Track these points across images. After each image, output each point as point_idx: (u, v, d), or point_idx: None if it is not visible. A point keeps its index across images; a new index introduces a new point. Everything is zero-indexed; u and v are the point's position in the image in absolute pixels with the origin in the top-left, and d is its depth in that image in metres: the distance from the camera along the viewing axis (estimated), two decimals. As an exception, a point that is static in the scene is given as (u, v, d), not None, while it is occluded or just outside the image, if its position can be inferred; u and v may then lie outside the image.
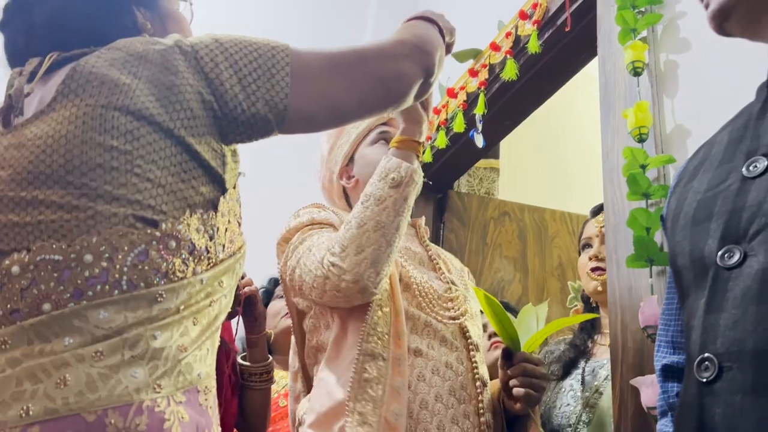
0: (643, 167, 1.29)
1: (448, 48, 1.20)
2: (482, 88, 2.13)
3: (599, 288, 1.72)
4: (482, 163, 2.79)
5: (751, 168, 0.71)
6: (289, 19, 3.04)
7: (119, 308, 0.73)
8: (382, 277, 1.24)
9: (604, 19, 1.61)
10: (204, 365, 0.80)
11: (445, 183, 2.64)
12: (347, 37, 2.93)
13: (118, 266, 0.74)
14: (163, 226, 0.78)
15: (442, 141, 2.35)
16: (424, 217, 1.64)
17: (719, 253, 0.70)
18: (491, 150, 2.66)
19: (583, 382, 1.58)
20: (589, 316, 1.61)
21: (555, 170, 3.06)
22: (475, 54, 2.24)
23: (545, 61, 1.96)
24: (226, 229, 0.86)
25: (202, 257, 0.81)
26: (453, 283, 1.48)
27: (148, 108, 0.79)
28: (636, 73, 1.39)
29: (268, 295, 2.14)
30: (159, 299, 0.75)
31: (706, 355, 0.67)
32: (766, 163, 0.70)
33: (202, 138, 0.82)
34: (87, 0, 0.92)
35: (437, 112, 2.44)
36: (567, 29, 1.78)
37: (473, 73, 2.19)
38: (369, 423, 1.17)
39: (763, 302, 0.64)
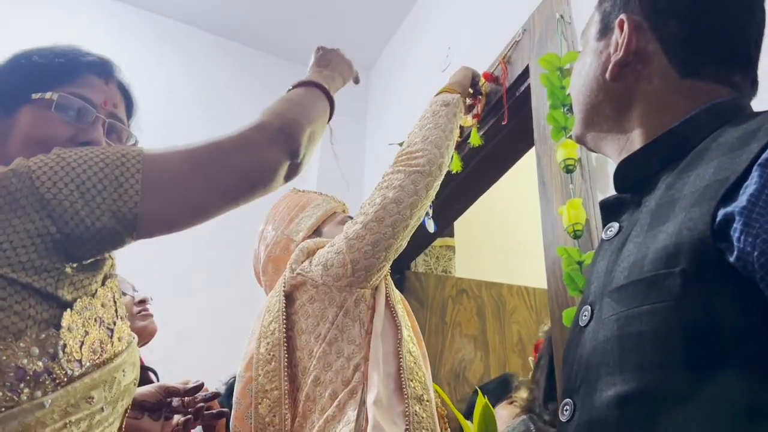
0: (580, 264, 1.33)
1: (356, 80, 1.40)
2: (430, 176, 2.18)
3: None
4: (438, 241, 2.83)
5: (582, 317, 0.74)
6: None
7: None
8: (444, 161, 1.49)
9: (538, 114, 1.68)
10: None
11: (402, 263, 2.66)
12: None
13: None
14: None
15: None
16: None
17: (560, 405, 0.73)
18: (446, 229, 2.70)
19: None
20: None
21: (510, 244, 3.11)
22: (423, 142, 2.30)
23: (486, 151, 2.02)
24: (82, 343, 0.81)
25: (42, 380, 0.76)
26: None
27: None
28: (568, 170, 1.45)
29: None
30: None
31: None
32: (588, 314, 0.72)
33: (26, 264, 0.77)
34: None
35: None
36: (504, 122, 1.85)
37: (421, 161, 2.25)
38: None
39: None
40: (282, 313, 1.42)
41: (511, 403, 2.07)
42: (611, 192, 1.43)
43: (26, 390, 0.75)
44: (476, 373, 2.55)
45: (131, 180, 0.83)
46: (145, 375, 1.69)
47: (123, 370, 0.87)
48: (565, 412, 0.73)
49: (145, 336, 1.65)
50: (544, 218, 1.55)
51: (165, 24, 3.12)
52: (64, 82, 0.97)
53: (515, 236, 3.11)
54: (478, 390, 1.77)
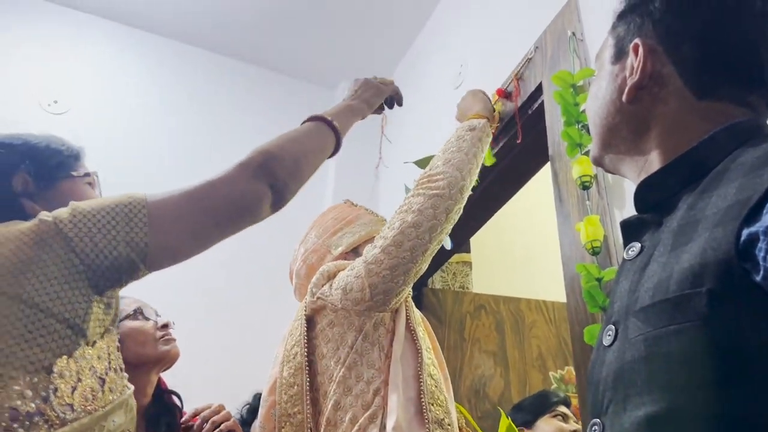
0: (599, 281, 1.33)
1: (395, 99, 1.60)
2: (446, 193, 2.19)
3: None
4: (455, 257, 2.83)
5: (606, 337, 0.74)
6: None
7: None
8: (466, 184, 1.46)
9: (552, 130, 1.69)
10: None
11: (419, 281, 2.66)
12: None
13: None
14: None
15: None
16: None
17: (588, 426, 0.73)
18: (462, 246, 2.71)
19: None
20: None
21: (527, 259, 3.11)
22: (436, 160, 2.32)
23: (500, 169, 2.03)
24: (74, 388, 0.89)
25: (36, 421, 0.83)
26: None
27: None
28: (584, 187, 1.46)
29: (253, 411, 2.12)
30: None
31: None
32: (613, 334, 0.72)
33: (60, 294, 0.90)
34: None
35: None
36: (518, 141, 1.86)
37: (436, 179, 2.27)
38: None
39: None
40: (303, 337, 1.42)
41: (554, 416, 2.08)
42: (628, 208, 1.44)
43: (21, 431, 0.81)
44: (496, 389, 2.54)
45: (139, 215, 0.98)
46: (169, 399, 1.71)
47: (113, 420, 0.94)
48: None
49: (168, 360, 1.66)
50: (561, 235, 1.56)
51: (173, 46, 3.16)
52: (78, 163, 1.23)
53: (532, 250, 3.11)
54: (502, 411, 1.77)
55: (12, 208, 1.08)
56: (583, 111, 1.56)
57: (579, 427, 2.05)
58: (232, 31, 3.10)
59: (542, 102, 1.80)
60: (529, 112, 1.88)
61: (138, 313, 1.65)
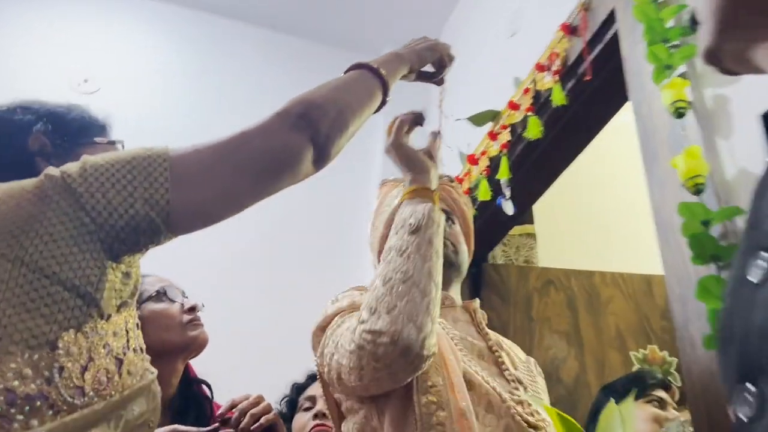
0: (705, 224, 1.06)
1: (443, 62, 1.27)
2: (504, 150, 1.94)
3: None
4: (516, 230, 2.57)
5: (755, 270, 0.51)
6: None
7: None
8: (425, 334, 1.03)
9: (631, 60, 1.42)
10: None
11: (477, 256, 2.41)
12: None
13: None
14: None
15: (468, 212, 2.15)
16: (478, 300, 1.39)
17: (734, 396, 0.50)
18: (524, 215, 2.44)
19: None
20: None
21: (598, 227, 2.80)
22: (493, 116, 2.07)
23: (570, 114, 1.77)
24: (84, 368, 0.76)
25: (38, 406, 0.71)
26: (519, 381, 1.23)
27: None
28: (679, 114, 1.19)
29: (292, 405, 1.92)
30: None
31: None
32: (766, 265, 0.50)
33: (68, 257, 0.78)
34: None
35: (459, 181, 2.26)
36: (587, 78, 1.59)
37: (493, 136, 2.02)
38: None
39: None
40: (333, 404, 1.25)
41: (650, 401, 1.80)
42: (737, 137, 1.17)
43: (19, 417, 0.70)
44: (570, 372, 2.27)
45: (159, 169, 0.85)
46: (197, 389, 1.52)
47: (133, 408, 0.82)
48: (745, 405, 0.48)
49: (196, 347, 1.47)
50: (649, 177, 1.29)
51: (207, 19, 2.99)
52: (103, 132, 1.15)
53: (603, 218, 2.80)
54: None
55: (26, 165, 0.99)
56: (671, 27, 1.29)
57: (678, 414, 1.77)
58: (268, 1, 2.90)
59: (616, 32, 1.53)
60: (600, 46, 1.61)
61: (162, 294, 1.47)
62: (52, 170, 0.83)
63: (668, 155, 1.23)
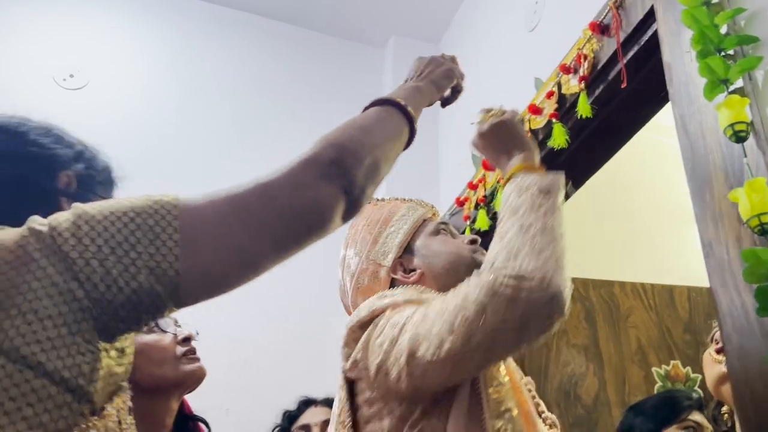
0: (774, 272, 0.92)
1: (458, 88, 1.19)
2: (525, 159, 1.79)
3: (724, 370, 1.44)
4: (532, 235, 2.43)
5: None
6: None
7: None
8: (569, 289, 0.93)
9: (677, 69, 1.26)
10: None
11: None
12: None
13: None
14: None
15: (483, 221, 2.00)
16: None
17: None
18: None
19: None
20: None
21: (618, 235, 2.66)
22: (512, 119, 1.91)
23: (598, 121, 1.62)
24: None
25: None
26: (555, 424, 1.15)
27: None
28: (739, 138, 1.04)
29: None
30: None
31: None
32: None
33: (55, 342, 0.64)
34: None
35: (473, 187, 2.11)
36: (623, 85, 1.43)
37: (512, 141, 1.86)
38: None
39: None
40: (347, 416, 1.10)
41: (685, 427, 1.67)
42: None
43: None
44: (590, 390, 2.14)
45: (169, 229, 0.72)
46: (194, 426, 1.39)
47: None
48: None
49: (193, 382, 1.34)
50: (697, 207, 1.14)
51: (204, 8, 2.82)
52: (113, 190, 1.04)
53: (624, 225, 2.65)
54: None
55: (49, 202, 0.87)
56: (727, 34, 1.13)
57: None
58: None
59: (656, 32, 1.37)
60: (636, 48, 1.46)
61: (153, 325, 1.33)
62: (37, 222, 0.69)
63: (723, 185, 1.08)
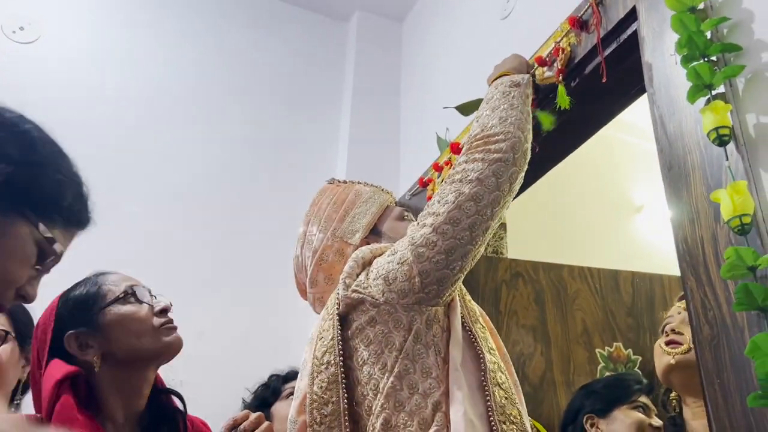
0: (753, 270, 0.99)
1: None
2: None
3: (672, 362, 1.65)
4: (486, 218, 2.48)
5: None
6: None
7: None
8: (528, 145, 1.25)
9: (658, 71, 1.32)
10: None
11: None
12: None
13: None
14: None
15: (446, 203, 2.04)
16: None
17: None
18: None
19: None
20: None
21: (568, 222, 2.76)
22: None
23: (570, 113, 1.66)
24: None
25: None
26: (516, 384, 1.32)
27: None
28: (722, 141, 1.10)
29: (275, 392, 1.85)
30: None
31: None
32: None
33: None
34: None
35: (439, 168, 2.15)
36: (603, 81, 1.49)
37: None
38: None
39: None
40: (337, 341, 1.15)
41: (635, 407, 1.77)
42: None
43: None
44: (537, 369, 2.23)
45: None
46: (168, 401, 1.37)
47: None
48: None
49: (171, 353, 1.33)
50: (673, 207, 1.21)
51: None
52: None
53: (574, 212, 2.76)
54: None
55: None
56: (712, 40, 1.19)
57: (661, 423, 1.75)
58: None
59: (635, 32, 1.43)
60: (615, 45, 1.51)
61: (129, 295, 1.32)
62: None
63: (701, 184, 1.15)
